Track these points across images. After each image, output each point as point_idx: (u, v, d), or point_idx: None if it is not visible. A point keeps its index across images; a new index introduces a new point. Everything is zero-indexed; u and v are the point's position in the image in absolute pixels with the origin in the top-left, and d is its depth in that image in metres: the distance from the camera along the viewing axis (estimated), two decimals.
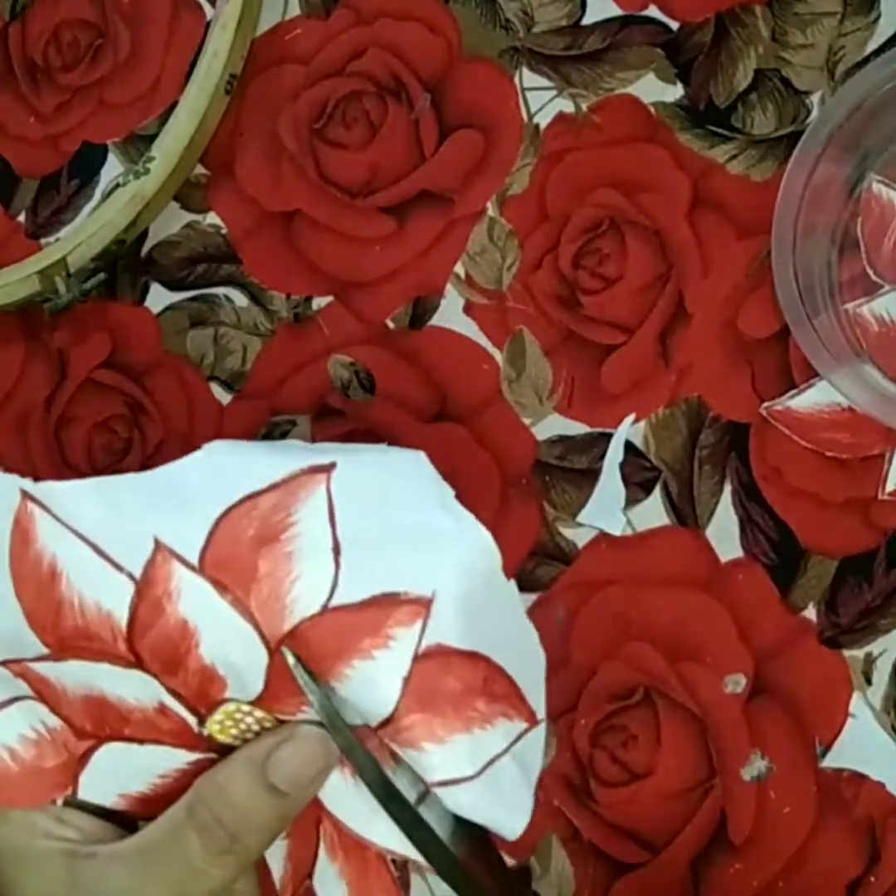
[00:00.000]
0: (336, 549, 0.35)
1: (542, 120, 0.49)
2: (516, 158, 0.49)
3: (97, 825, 0.38)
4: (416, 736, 0.35)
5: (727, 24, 0.47)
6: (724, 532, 0.46)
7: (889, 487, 0.44)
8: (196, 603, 0.36)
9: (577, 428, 0.48)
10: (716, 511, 0.46)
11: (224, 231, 0.54)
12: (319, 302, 0.52)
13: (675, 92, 0.48)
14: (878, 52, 0.45)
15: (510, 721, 0.37)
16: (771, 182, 0.46)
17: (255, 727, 0.36)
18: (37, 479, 0.55)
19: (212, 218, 0.54)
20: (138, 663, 0.36)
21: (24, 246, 0.56)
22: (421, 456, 0.37)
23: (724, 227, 0.47)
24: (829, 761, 0.44)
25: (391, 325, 0.51)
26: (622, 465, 0.47)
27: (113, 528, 0.37)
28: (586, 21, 0.49)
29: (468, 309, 0.50)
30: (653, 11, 0.48)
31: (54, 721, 0.37)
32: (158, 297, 0.54)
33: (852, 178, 0.44)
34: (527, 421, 0.49)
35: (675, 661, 0.46)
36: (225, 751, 0.37)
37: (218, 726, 0.36)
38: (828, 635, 0.45)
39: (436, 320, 0.50)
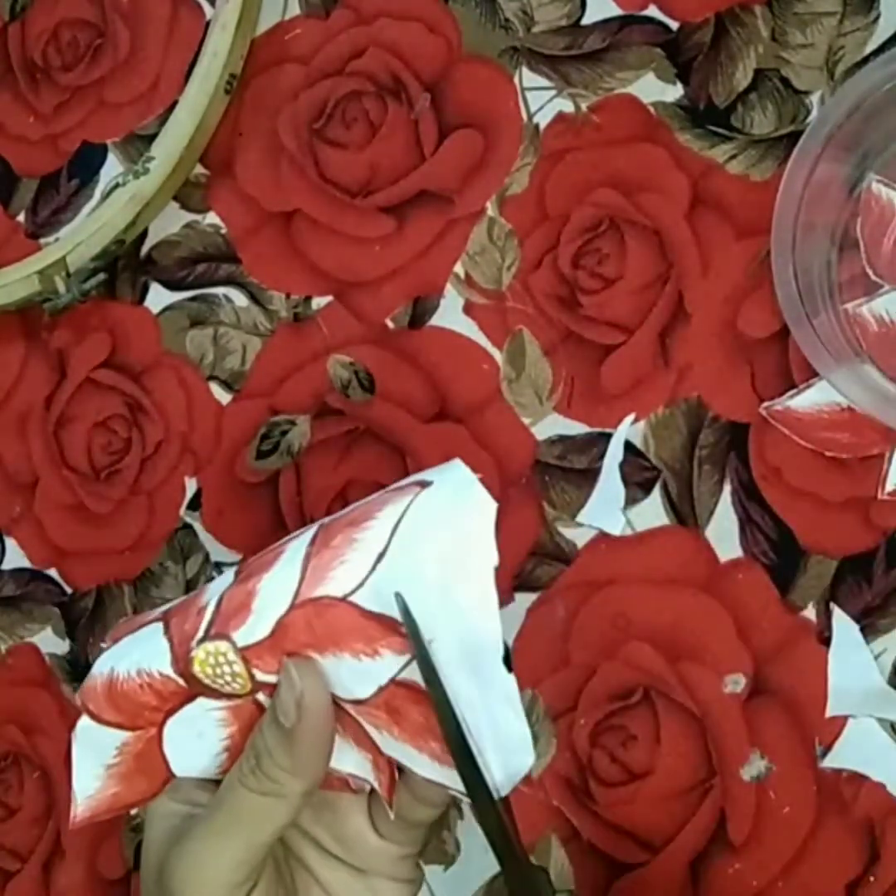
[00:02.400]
0: (380, 556, 0.37)
1: (542, 120, 0.49)
2: (516, 158, 0.49)
3: None
4: (378, 725, 0.39)
5: (727, 23, 0.47)
6: (723, 532, 0.46)
7: (889, 487, 0.44)
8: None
9: (576, 428, 0.48)
10: (715, 511, 0.46)
11: (224, 231, 0.54)
12: (319, 302, 0.52)
13: (674, 92, 0.48)
14: (877, 52, 0.45)
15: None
16: (770, 182, 0.46)
17: (229, 679, 0.39)
18: (37, 478, 0.56)
19: (211, 218, 0.54)
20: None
21: (23, 246, 0.56)
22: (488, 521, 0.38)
23: (723, 227, 0.47)
24: (829, 761, 0.44)
25: (391, 324, 0.51)
26: (622, 465, 0.47)
27: None
28: (586, 21, 0.49)
29: (468, 309, 0.50)
30: (653, 11, 0.48)
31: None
32: (158, 297, 0.54)
33: (852, 178, 0.44)
34: (526, 420, 0.49)
35: (674, 661, 0.46)
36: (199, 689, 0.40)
37: (203, 654, 0.39)
38: (827, 635, 0.45)
39: (435, 320, 0.50)
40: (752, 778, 0.45)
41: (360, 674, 0.38)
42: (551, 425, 0.48)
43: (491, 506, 0.37)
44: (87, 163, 0.56)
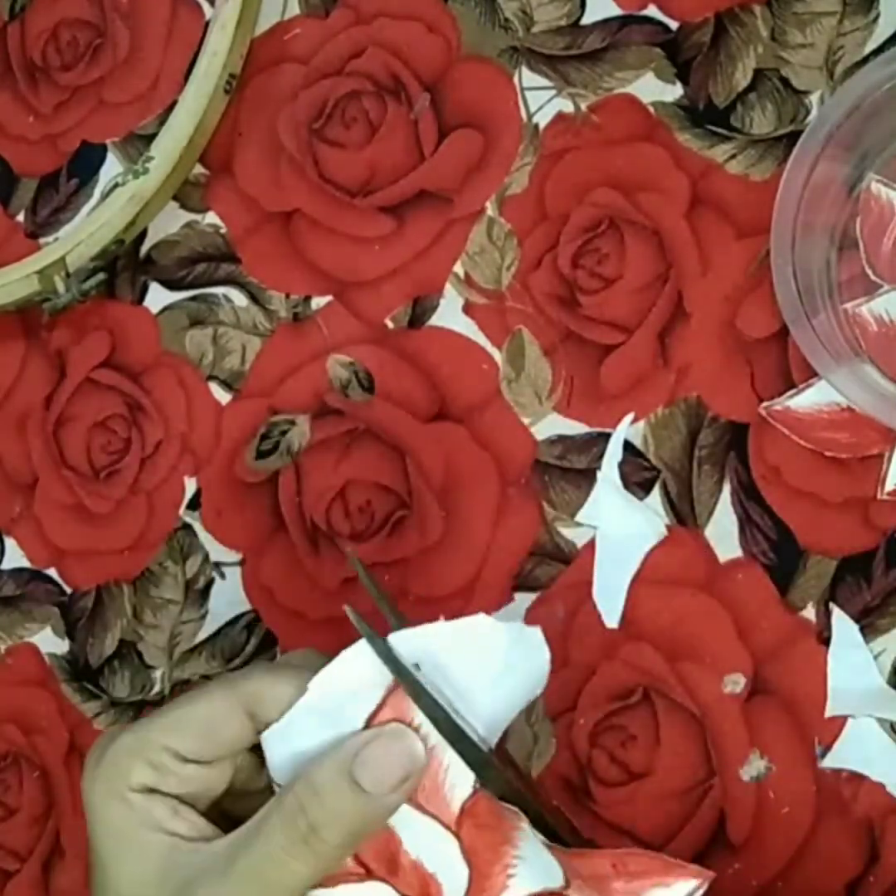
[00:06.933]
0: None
1: (542, 119, 0.49)
2: (515, 158, 0.49)
3: (209, 828, 0.38)
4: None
5: (726, 23, 0.47)
6: (723, 532, 0.46)
7: (888, 487, 0.44)
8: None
9: (576, 427, 0.48)
10: (715, 511, 0.46)
11: (223, 231, 0.54)
12: (319, 301, 0.52)
13: (674, 91, 0.48)
14: (877, 52, 0.45)
15: (667, 889, 0.38)
16: (770, 182, 0.46)
17: None
18: (36, 478, 0.56)
19: (211, 217, 0.54)
20: (368, 873, 0.36)
21: (23, 245, 0.56)
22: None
23: (723, 227, 0.47)
24: (829, 761, 0.44)
25: (390, 324, 0.51)
26: (621, 465, 0.47)
27: None
28: (585, 21, 0.49)
29: (467, 309, 0.50)
30: (652, 11, 0.48)
31: None
32: (157, 297, 0.54)
33: (851, 178, 0.44)
34: (526, 420, 0.49)
35: (674, 661, 0.46)
36: None
37: None
38: (827, 635, 0.45)
39: (435, 320, 0.50)
40: (751, 778, 0.45)
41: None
42: (551, 425, 0.48)
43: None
44: (86, 163, 0.56)
